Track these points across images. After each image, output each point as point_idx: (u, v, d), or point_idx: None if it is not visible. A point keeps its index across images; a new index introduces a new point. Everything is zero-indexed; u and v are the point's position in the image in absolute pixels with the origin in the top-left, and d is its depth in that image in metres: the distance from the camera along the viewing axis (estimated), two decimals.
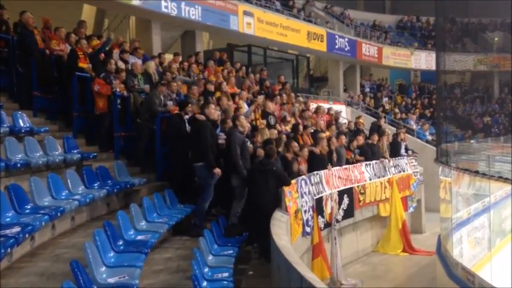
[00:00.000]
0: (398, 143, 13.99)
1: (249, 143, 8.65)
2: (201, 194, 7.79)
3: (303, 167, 9.50)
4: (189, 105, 8.72)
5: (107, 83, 9.01)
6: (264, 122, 10.55)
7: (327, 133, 11.61)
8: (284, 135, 9.95)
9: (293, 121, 11.79)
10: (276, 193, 7.74)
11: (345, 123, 14.40)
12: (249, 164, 8.03)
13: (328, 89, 23.54)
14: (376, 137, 12.89)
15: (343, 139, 11.65)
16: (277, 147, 8.58)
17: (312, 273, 5.08)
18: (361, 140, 12.70)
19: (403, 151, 14.14)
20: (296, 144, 9.44)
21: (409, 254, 12.75)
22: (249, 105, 10.91)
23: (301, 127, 10.78)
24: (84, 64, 9.28)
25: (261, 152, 8.32)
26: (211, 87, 10.91)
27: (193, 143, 7.85)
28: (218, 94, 10.82)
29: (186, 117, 8.56)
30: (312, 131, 11.39)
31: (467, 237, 10.61)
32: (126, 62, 10.56)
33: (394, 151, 13.65)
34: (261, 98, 11.17)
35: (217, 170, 7.63)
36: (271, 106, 11.33)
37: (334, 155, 10.96)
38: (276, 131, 10.09)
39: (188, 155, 8.08)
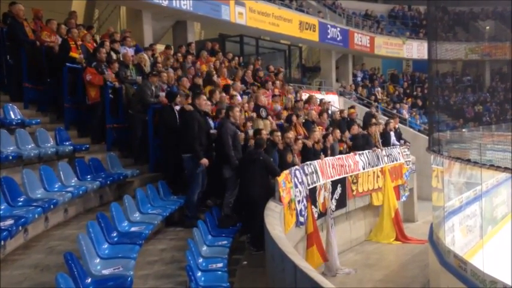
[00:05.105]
0: (388, 133, 14.04)
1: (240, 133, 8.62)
2: (190, 185, 7.80)
3: (297, 159, 9.48)
4: (178, 96, 8.71)
5: (99, 73, 8.94)
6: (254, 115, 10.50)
7: (321, 127, 11.59)
8: (278, 127, 9.93)
9: (286, 114, 11.75)
10: (265, 183, 7.72)
11: (338, 112, 14.39)
12: (241, 154, 8.04)
13: (321, 79, 23.54)
14: (373, 129, 12.94)
15: (338, 133, 11.62)
16: (272, 138, 8.58)
17: (305, 262, 5.11)
18: (355, 129, 12.72)
19: (393, 139, 14.18)
20: (289, 135, 9.32)
21: (402, 243, 12.83)
22: (242, 95, 10.87)
23: (294, 118, 10.75)
24: (75, 54, 9.20)
25: (252, 142, 8.30)
26: (199, 81, 10.85)
27: (182, 134, 7.85)
28: (209, 88, 10.77)
29: (177, 108, 8.54)
30: (304, 120, 11.36)
31: (459, 225, 10.69)
32: (117, 52, 10.47)
33: (385, 141, 13.70)
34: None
35: (204, 161, 7.62)
36: (263, 99, 11.29)
37: (329, 152, 10.95)
38: (269, 122, 10.07)
39: (178, 146, 8.07)
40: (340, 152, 11.65)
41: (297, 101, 12.83)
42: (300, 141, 9.74)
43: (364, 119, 14.81)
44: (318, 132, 10.65)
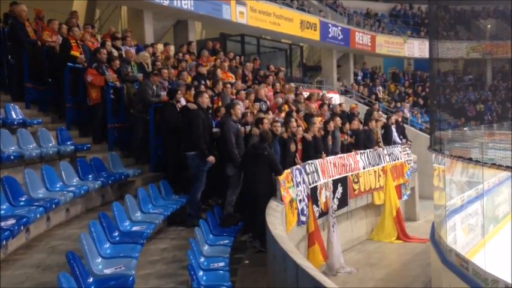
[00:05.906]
0: (389, 127, 14.02)
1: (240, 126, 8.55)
2: (193, 183, 7.79)
3: (299, 145, 9.45)
4: (179, 92, 8.69)
5: (100, 74, 8.95)
6: (257, 105, 10.47)
7: (320, 118, 11.54)
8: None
9: (287, 108, 11.72)
10: (268, 178, 7.62)
11: (338, 105, 14.33)
12: (244, 151, 8.01)
13: (322, 78, 23.53)
14: (374, 123, 12.92)
15: (338, 121, 11.55)
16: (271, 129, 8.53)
17: (307, 261, 5.11)
18: (356, 124, 12.69)
19: (395, 135, 14.15)
20: (293, 124, 9.27)
21: (403, 242, 12.84)
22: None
23: (294, 113, 10.72)
24: (76, 52, 9.20)
25: (255, 131, 8.24)
26: (203, 70, 10.82)
27: (186, 132, 7.84)
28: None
29: (179, 105, 8.53)
30: (304, 114, 11.31)
31: (461, 224, 10.67)
32: (118, 49, 10.47)
33: (387, 136, 13.66)
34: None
35: (211, 158, 7.62)
36: (263, 92, 11.25)
37: (330, 137, 10.90)
38: (270, 116, 10.04)
39: (181, 145, 8.07)
40: (342, 142, 11.61)
41: (297, 94, 12.81)
42: (300, 129, 9.68)
43: (365, 116, 14.80)
44: (318, 124, 10.58)
